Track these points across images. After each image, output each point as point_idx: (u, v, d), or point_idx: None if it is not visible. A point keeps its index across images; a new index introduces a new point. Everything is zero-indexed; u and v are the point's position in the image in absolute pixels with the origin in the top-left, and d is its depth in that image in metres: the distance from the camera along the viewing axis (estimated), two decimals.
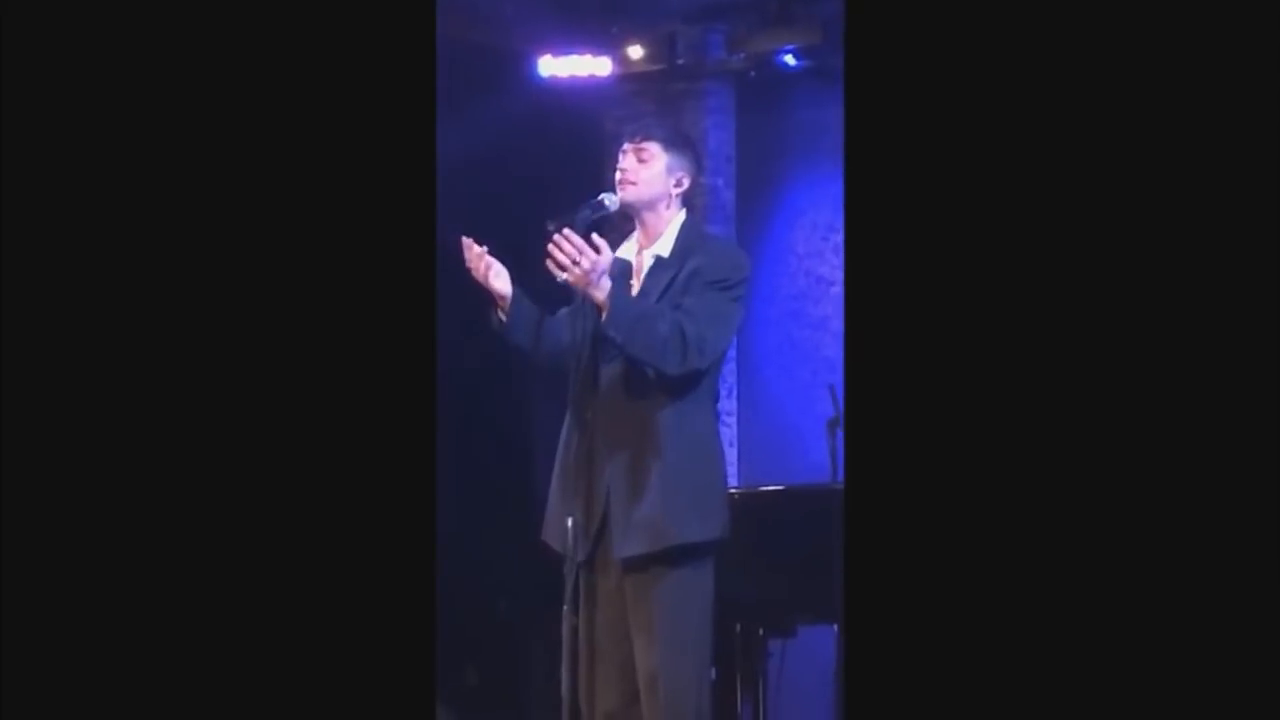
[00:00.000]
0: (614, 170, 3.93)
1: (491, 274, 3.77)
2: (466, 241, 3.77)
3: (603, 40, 6.77)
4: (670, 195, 3.93)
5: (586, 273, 3.63)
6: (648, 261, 3.91)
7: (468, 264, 3.78)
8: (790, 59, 6.66)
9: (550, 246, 3.63)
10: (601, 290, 3.66)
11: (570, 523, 3.72)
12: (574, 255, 3.62)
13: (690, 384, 3.80)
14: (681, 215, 3.94)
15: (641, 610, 3.77)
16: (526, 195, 5.99)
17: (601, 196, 3.88)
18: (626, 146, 3.94)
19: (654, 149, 3.91)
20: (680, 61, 6.80)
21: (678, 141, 3.98)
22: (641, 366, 3.75)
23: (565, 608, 3.68)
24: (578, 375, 3.83)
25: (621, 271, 3.85)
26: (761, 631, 4.86)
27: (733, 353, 5.78)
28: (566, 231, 3.66)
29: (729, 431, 6.69)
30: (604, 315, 3.67)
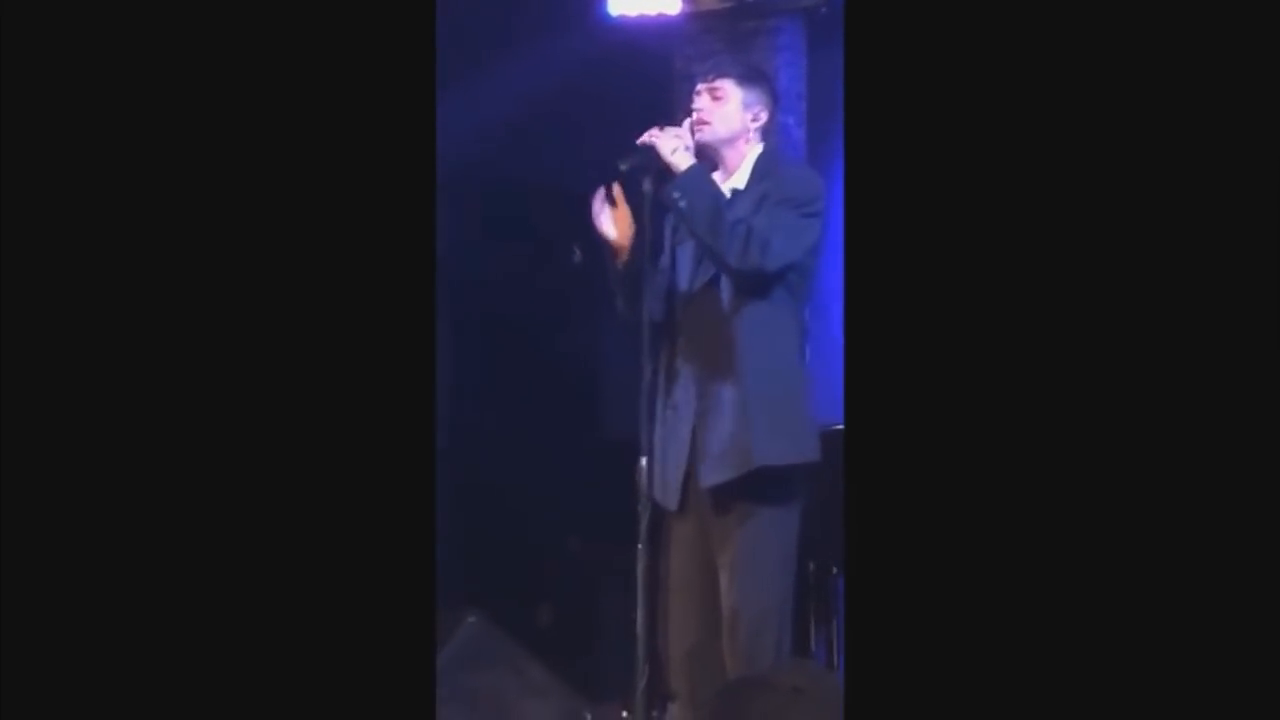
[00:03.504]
0: (688, 112, 3.93)
1: (608, 220, 3.84)
2: (606, 191, 3.84)
3: None
4: (749, 130, 3.93)
5: (677, 136, 3.76)
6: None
7: (593, 206, 3.85)
8: None
9: (653, 130, 3.79)
10: (684, 160, 3.76)
11: (644, 461, 3.74)
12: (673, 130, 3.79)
13: (771, 307, 3.82)
14: (759, 148, 3.94)
15: (727, 547, 3.79)
16: (597, 136, 5.98)
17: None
18: (700, 86, 3.95)
19: (727, 86, 3.91)
20: None
21: (752, 76, 3.99)
22: (706, 253, 3.80)
23: (640, 546, 3.70)
24: (660, 319, 3.87)
25: None
26: (835, 570, 4.87)
27: None
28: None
29: None
30: (677, 179, 3.75)
